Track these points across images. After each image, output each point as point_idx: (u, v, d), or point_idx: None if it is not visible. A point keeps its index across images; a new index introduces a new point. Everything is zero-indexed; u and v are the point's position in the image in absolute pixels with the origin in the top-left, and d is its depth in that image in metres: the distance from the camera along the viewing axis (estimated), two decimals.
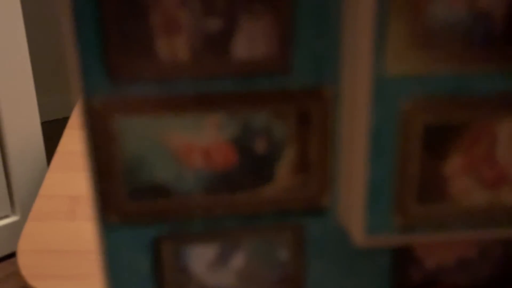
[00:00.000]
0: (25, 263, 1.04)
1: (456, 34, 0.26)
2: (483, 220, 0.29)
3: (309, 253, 0.33)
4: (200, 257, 0.32)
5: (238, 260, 0.33)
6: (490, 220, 0.29)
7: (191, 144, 0.30)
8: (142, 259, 0.32)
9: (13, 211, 1.33)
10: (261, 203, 0.32)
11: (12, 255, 1.28)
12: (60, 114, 1.63)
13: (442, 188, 0.28)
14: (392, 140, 0.27)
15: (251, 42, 0.29)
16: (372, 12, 0.25)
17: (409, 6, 0.25)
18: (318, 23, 0.28)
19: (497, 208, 0.29)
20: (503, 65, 0.26)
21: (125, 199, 0.30)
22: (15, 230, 1.29)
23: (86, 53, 0.28)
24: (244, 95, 0.29)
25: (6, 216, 1.33)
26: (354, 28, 0.26)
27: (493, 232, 0.29)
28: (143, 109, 0.29)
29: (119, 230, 0.31)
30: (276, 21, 0.28)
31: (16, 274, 1.18)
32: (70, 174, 1.20)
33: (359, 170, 0.28)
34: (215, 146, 0.30)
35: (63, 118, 1.44)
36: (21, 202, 1.33)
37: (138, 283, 0.32)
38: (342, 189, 0.31)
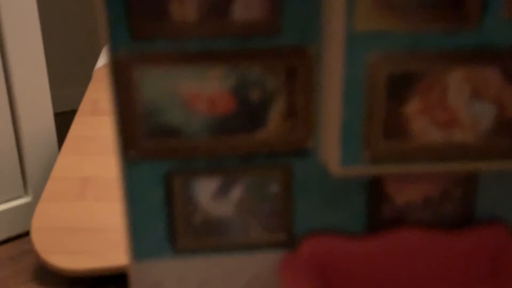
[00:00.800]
0: (39, 239, 1.10)
1: None
2: (438, 156, 0.35)
3: (296, 189, 0.39)
4: (204, 189, 0.38)
5: (236, 193, 0.39)
6: (444, 156, 0.35)
7: (197, 92, 0.36)
8: (157, 189, 0.38)
9: (26, 192, 1.40)
10: (255, 145, 0.38)
11: (25, 234, 1.33)
12: (71, 106, 1.70)
13: (403, 127, 0.34)
14: (362, 87, 0.33)
15: (247, 7, 0.35)
16: None
17: None
18: None
19: (450, 145, 0.35)
20: (452, 25, 0.33)
21: (142, 137, 0.37)
22: (28, 210, 1.35)
23: (112, 15, 0.34)
24: (241, 52, 0.36)
25: (19, 197, 1.39)
26: None
27: (446, 166, 0.35)
28: (158, 62, 0.35)
29: (137, 164, 0.37)
30: None
31: (30, 251, 1.25)
32: (80, 157, 1.26)
33: (335, 113, 0.34)
34: (217, 94, 0.36)
35: (73, 110, 1.50)
36: (33, 184, 1.39)
37: (153, 210, 0.38)
38: (323, 132, 0.37)
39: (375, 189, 0.40)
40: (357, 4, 0.31)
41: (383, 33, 0.32)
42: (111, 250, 0.99)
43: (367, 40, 0.32)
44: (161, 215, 0.39)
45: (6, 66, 1.22)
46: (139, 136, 0.37)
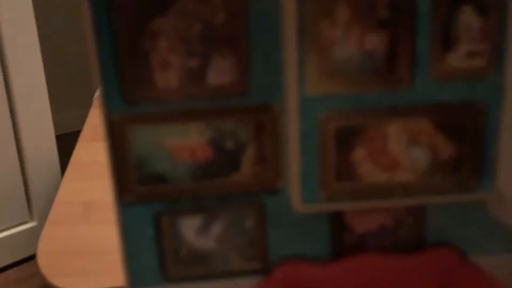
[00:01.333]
0: (45, 263, 1.15)
1: (352, 67, 0.38)
2: (384, 194, 0.41)
3: (268, 223, 0.45)
4: (189, 226, 0.45)
5: (216, 229, 0.45)
6: (388, 194, 0.41)
7: (180, 144, 0.43)
8: (148, 228, 0.44)
9: (31, 218, 1.45)
10: (231, 186, 0.44)
11: (30, 258, 1.39)
12: (72, 128, 1.77)
13: (352, 171, 0.41)
14: (315, 140, 0.40)
15: (220, 74, 0.42)
16: (295, 54, 0.37)
17: (318, 48, 0.37)
18: (267, 61, 0.41)
19: (393, 185, 0.41)
20: (386, 87, 0.39)
21: (135, 184, 0.43)
22: (33, 235, 1.41)
23: (107, 82, 0.41)
24: (217, 110, 0.42)
25: (25, 222, 1.45)
26: (287, 65, 0.39)
27: (391, 202, 0.42)
28: (147, 122, 0.42)
29: (131, 207, 0.44)
30: (237, 60, 0.41)
31: (36, 274, 1.30)
32: (83, 182, 1.32)
33: (295, 161, 0.41)
34: (197, 145, 0.43)
35: (75, 132, 1.57)
36: (38, 209, 1.45)
37: (146, 245, 0.45)
38: (288, 175, 0.44)
39: (336, 220, 0.46)
40: (307, 72, 0.38)
41: (331, 95, 0.39)
42: (114, 271, 1.05)
43: (317, 101, 0.39)
44: (153, 249, 0.45)
45: (9, 92, 1.28)
46: (132, 184, 0.43)
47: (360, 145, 0.40)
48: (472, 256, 0.48)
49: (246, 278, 0.46)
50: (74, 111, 1.91)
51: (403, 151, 0.41)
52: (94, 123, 1.52)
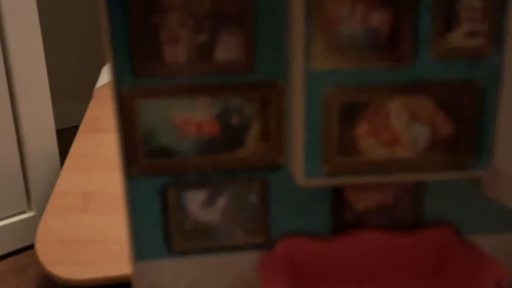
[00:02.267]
0: (43, 251, 1.15)
1: (356, 43, 0.40)
2: (384, 169, 0.43)
3: (271, 199, 0.47)
4: (194, 200, 0.46)
5: (220, 203, 0.46)
6: (388, 169, 0.43)
7: (187, 119, 0.44)
8: (154, 201, 0.45)
9: (29, 207, 1.46)
10: (236, 162, 0.45)
11: (29, 247, 1.39)
12: (73, 122, 1.78)
13: (354, 146, 0.42)
14: (319, 115, 0.41)
15: (226, 50, 0.43)
16: (302, 30, 0.39)
17: (325, 25, 0.39)
18: (273, 38, 0.43)
19: (393, 160, 0.42)
20: (390, 64, 0.40)
21: (142, 157, 0.44)
22: (31, 224, 1.40)
23: (118, 57, 0.42)
24: (223, 86, 0.43)
25: (23, 212, 1.45)
26: (294, 41, 0.40)
27: (391, 178, 0.43)
28: (155, 96, 0.43)
29: (138, 180, 0.45)
30: (244, 36, 0.42)
31: (35, 263, 1.30)
32: (82, 173, 1.32)
33: (299, 136, 0.42)
34: (204, 121, 0.44)
35: (76, 126, 1.57)
36: (36, 199, 1.45)
37: (151, 218, 0.46)
38: (291, 151, 0.45)
39: (337, 197, 0.47)
40: (313, 48, 0.39)
41: (335, 71, 0.40)
42: (111, 261, 1.05)
43: (322, 77, 0.40)
44: (158, 222, 0.46)
45: (10, 85, 1.29)
46: (140, 156, 0.44)
47: (362, 121, 0.41)
48: (469, 235, 0.49)
49: (249, 252, 0.47)
50: (76, 105, 1.92)
51: (404, 127, 0.42)
52: (94, 115, 1.52)
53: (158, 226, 0.46)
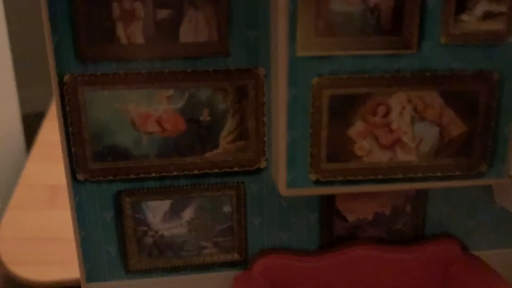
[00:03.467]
0: (6, 250, 1.07)
1: (351, 24, 0.32)
2: (383, 176, 0.36)
3: (249, 208, 0.39)
4: (155, 210, 0.38)
5: (188, 213, 0.39)
6: (388, 176, 0.36)
7: (146, 114, 0.36)
8: (106, 211, 0.38)
9: None
10: (207, 165, 0.38)
11: None
12: (41, 107, 1.67)
13: (347, 149, 0.35)
14: (305, 110, 0.34)
15: (195, 29, 0.35)
16: (285, 8, 0.31)
17: (313, 3, 0.31)
18: (251, 16, 0.35)
19: (394, 166, 0.36)
20: (390, 50, 0.33)
21: (90, 159, 0.36)
22: None
23: (59, 38, 0.34)
24: (190, 74, 0.36)
25: None
26: (275, 21, 0.33)
27: (391, 186, 0.36)
28: (106, 84, 0.35)
29: (85, 186, 0.37)
30: (215, 12, 0.35)
31: None
32: (50, 164, 1.24)
33: (282, 136, 0.34)
34: (166, 115, 0.36)
35: (42, 112, 1.48)
36: (0, 192, 1.36)
37: (103, 232, 0.38)
38: (273, 152, 0.38)
39: (326, 206, 0.40)
40: (299, 31, 0.32)
41: (325, 58, 0.33)
42: None
43: (309, 64, 0.33)
44: (112, 237, 0.38)
45: None
46: (87, 158, 0.36)
47: (357, 118, 0.34)
48: (474, 249, 0.43)
49: (222, 272, 0.40)
50: (43, 89, 1.81)
51: (407, 126, 0.35)
52: None
53: (112, 241, 0.38)
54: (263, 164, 0.38)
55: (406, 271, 0.41)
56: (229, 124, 0.37)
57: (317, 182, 0.35)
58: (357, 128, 0.34)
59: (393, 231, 0.42)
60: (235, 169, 0.38)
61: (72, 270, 1.01)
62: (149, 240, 0.39)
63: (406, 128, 0.35)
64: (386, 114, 0.35)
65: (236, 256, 0.40)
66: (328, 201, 0.40)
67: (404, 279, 0.41)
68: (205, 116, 0.37)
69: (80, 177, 0.37)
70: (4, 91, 1.33)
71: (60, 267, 1.03)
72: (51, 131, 1.32)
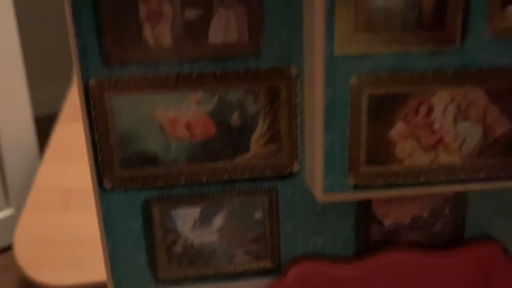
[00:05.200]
0: (22, 254, 1.07)
1: (391, 21, 0.30)
2: (424, 179, 0.34)
3: (281, 214, 0.38)
4: (185, 217, 0.37)
5: (219, 220, 0.37)
6: (430, 179, 0.34)
7: (174, 118, 0.35)
8: (135, 219, 0.36)
9: (8, 205, 1.36)
10: (238, 170, 0.36)
11: (6, 248, 1.30)
12: (53, 108, 1.66)
13: (387, 151, 0.33)
14: (343, 111, 0.32)
15: (225, 29, 0.33)
16: (322, 4, 0.29)
17: None
18: (283, 14, 0.33)
19: (436, 168, 0.34)
20: (432, 46, 0.31)
21: (118, 167, 0.35)
22: (10, 223, 1.32)
23: (84, 41, 0.32)
24: (220, 75, 0.34)
25: (1, 210, 1.36)
26: (311, 18, 0.31)
27: (433, 189, 0.34)
28: (133, 88, 0.34)
29: (113, 194, 0.36)
30: (246, 11, 0.33)
31: (13, 266, 1.21)
32: (63, 166, 1.23)
33: (317, 139, 0.33)
34: (195, 119, 0.35)
35: (54, 114, 1.47)
36: (15, 196, 1.36)
37: (132, 240, 0.37)
38: (307, 156, 0.36)
39: (362, 211, 0.38)
40: (336, 28, 0.30)
41: (364, 56, 0.31)
42: (97, 264, 0.97)
43: (348, 63, 0.31)
44: (141, 246, 0.37)
45: None
46: (115, 165, 0.35)
47: (398, 119, 0.32)
48: None
49: (253, 280, 0.39)
50: (55, 90, 1.80)
51: (450, 126, 0.33)
52: (75, 101, 1.42)
53: (141, 250, 0.37)
54: (296, 168, 0.37)
55: (445, 276, 0.39)
56: (260, 127, 0.36)
57: (356, 187, 0.33)
58: (398, 129, 0.33)
59: (431, 235, 0.40)
60: (267, 173, 0.37)
61: (88, 274, 1.01)
62: (178, 248, 0.37)
63: (448, 128, 0.33)
64: (428, 114, 0.33)
65: (268, 263, 0.39)
66: (364, 205, 0.38)
67: (443, 285, 0.39)
68: (235, 119, 0.35)
69: (107, 185, 0.35)
70: (15, 93, 1.32)
71: (76, 271, 1.02)
72: (64, 133, 1.31)
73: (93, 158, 0.35)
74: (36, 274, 1.03)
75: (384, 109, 0.32)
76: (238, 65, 0.34)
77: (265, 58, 0.34)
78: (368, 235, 0.39)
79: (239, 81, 0.34)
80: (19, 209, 1.28)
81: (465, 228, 0.40)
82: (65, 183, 1.21)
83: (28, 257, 1.07)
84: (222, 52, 0.34)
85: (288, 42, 0.34)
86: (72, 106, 1.42)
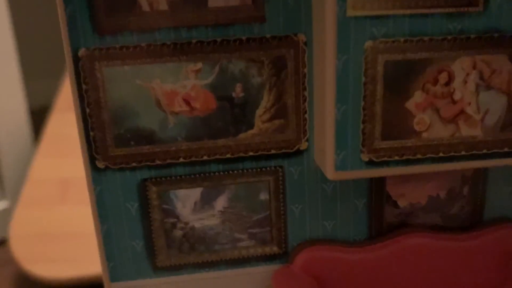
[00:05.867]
0: (18, 247, 1.05)
1: None
2: (444, 153, 0.31)
3: (288, 196, 0.35)
4: (185, 199, 0.34)
5: (221, 202, 0.35)
6: (450, 153, 0.31)
7: (172, 91, 0.32)
8: (130, 202, 0.34)
9: (3, 197, 1.34)
10: (241, 148, 0.34)
11: (2, 242, 1.28)
12: (48, 101, 1.63)
13: (405, 124, 0.30)
14: (357, 80, 0.29)
15: None
16: None
17: None
18: None
19: (456, 142, 0.31)
20: (456, 8, 0.29)
21: (112, 145, 0.32)
22: (5, 216, 1.29)
23: (73, 8, 0.30)
24: (221, 43, 0.31)
25: None
26: None
27: (452, 165, 0.32)
28: (127, 59, 0.31)
29: (107, 174, 0.33)
30: None
31: (9, 260, 1.19)
32: (59, 157, 1.21)
33: (329, 111, 0.30)
34: (194, 93, 0.32)
35: (50, 106, 1.44)
36: (10, 188, 1.33)
37: (127, 225, 0.34)
38: (316, 131, 0.33)
39: (376, 191, 0.36)
40: None
41: (380, 19, 0.28)
42: (95, 257, 0.95)
43: (362, 26, 0.28)
44: (137, 230, 0.34)
45: None
46: (109, 144, 0.32)
47: (417, 87, 0.30)
48: None
49: (259, 266, 0.36)
50: (49, 82, 1.77)
51: (472, 96, 0.30)
52: (70, 92, 1.39)
53: (137, 235, 0.34)
54: (304, 146, 0.34)
55: (463, 261, 0.37)
56: (265, 100, 0.33)
57: (370, 163, 0.31)
58: (415, 99, 0.30)
59: (449, 217, 0.38)
60: (273, 151, 0.34)
61: (85, 267, 0.98)
62: (178, 233, 0.35)
63: (470, 98, 0.31)
64: (448, 83, 0.30)
65: (274, 248, 0.36)
66: (378, 185, 0.36)
67: (462, 270, 0.37)
68: (238, 92, 0.33)
69: (100, 164, 0.33)
70: (10, 85, 1.29)
71: (74, 264, 1.00)
72: (59, 124, 1.28)
73: (84, 135, 0.32)
74: (33, 267, 1.01)
75: (401, 78, 0.30)
76: (241, 32, 0.31)
77: (270, 24, 0.31)
78: (381, 218, 0.36)
79: (242, 50, 0.31)
80: (14, 202, 1.25)
81: (485, 209, 0.38)
82: (61, 174, 1.18)
83: (24, 251, 1.05)
84: (223, 17, 0.31)
85: (295, 6, 0.31)
86: (67, 97, 1.39)
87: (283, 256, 0.36)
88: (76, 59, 0.31)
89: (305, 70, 0.32)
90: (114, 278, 0.35)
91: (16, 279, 1.09)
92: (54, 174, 1.16)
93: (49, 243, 1.05)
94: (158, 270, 0.35)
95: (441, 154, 0.31)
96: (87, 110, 0.32)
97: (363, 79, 0.29)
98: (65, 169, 1.15)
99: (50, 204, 1.13)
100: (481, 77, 0.31)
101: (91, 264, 0.93)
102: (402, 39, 0.29)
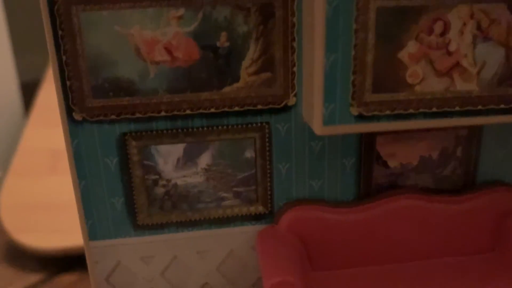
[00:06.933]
0: (8, 217, 1.04)
1: None
2: (437, 108, 0.30)
3: (275, 153, 0.34)
4: (167, 155, 0.33)
5: (204, 159, 0.33)
6: (443, 109, 0.30)
7: (152, 38, 0.30)
8: (109, 156, 0.32)
9: None
10: (226, 102, 0.32)
11: None
12: (38, 76, 1.61)
13: (397, 76, 0.29)
14: (347, 27, 0.28)
15: None
16: None
17: None
18: None
19: (450, 96, 0.30)
20: None
21: (89, 96, 0.31)
22: None
23: None
24: None
25: None
26: None
27: (446, 121, 0.30)
28: (105, 3, 0.29)
29: (84, 127, 0.31)
30: None
31: None
32: (50, 128, 1.19)
33: (318, 60, 0.28)
34: (176, 41, 0.30)
35: (41, 80, 1.42)
36: (1, 158, 1.32)
37: (106, 181, 0.33)
38: (304, 84, 0.32)
39: (365, 150, 0.35)
40: None
41: None
42: None
43: None
44: (117, 187, 0.33)
45: None
46: (86, 94, 0.31)
47: (410, 36, 0.28)
48: None
49: (244, 226, 0.35)
50: (39, 58, 1.74)
51: (468, 47, 0.29)
52: None
53: (117, 192, 0.33)
54: (291, 101, 0.33)
55: (455, 224, 0.36)
56: (252, 51, 0.31)
57: (360, 117, 0.29)
58: (409, 49, 0.28)
59: (441, 179, 0.36)
60: (259, 106, 0.32)
61: (76, 238, 0.98)
62: (160, 190, 0.34)
63: (466, 49, 0.29)
64: (443, 33, 0.29)
65: (260, 208, 0.35)
66: (368, 143, 0.34)
67: (453, 234, 0.36)
68: (222, 41, 0.31)
69: (77, 116, 0.31)
70: (1, 59, 1.26)
71: (64, 235, 0.99)
72: (50, 95, 1.26)
73: (60, 85, 0.30)
74: (22, 237, 1.00)
75: (394, 26, 0.28)
76: None
77: None
78: (371, 178, 0.35)
79: None
80: (4, 172, 1.24)
81: (478, 172, 0.37)
82: (52, 145, 1.17)
83: (14, 221, 1.04)
84: None
85: None
86: None
87: (269, 216, 0.35)
88: (51, 2, 0.29)
89: (294, 19, 0.31)
90: (93, 236, 0.34)
91: (6, 249, 1.09)
92: (45, 145, 1.14)
93: (39, 213, 1.04)
94: (139, 228, 0.34)
95: (434, 109, 0.30)
96: (64, 58, 0.30)
97: (354, 26, 0.28)
98: (55, 139, 1.14)
99: (40, 174, 1.12)
100: (479, 28, 0.29)
101: (78, 235, 0.93)
102: None
